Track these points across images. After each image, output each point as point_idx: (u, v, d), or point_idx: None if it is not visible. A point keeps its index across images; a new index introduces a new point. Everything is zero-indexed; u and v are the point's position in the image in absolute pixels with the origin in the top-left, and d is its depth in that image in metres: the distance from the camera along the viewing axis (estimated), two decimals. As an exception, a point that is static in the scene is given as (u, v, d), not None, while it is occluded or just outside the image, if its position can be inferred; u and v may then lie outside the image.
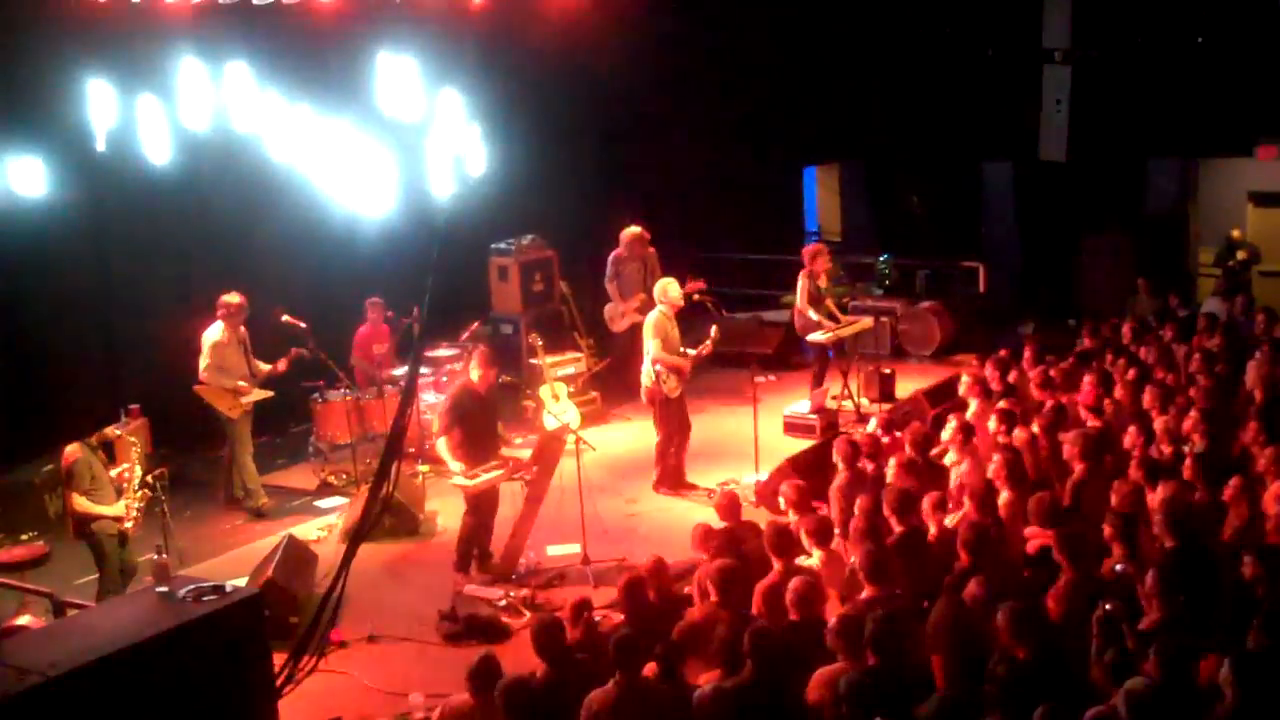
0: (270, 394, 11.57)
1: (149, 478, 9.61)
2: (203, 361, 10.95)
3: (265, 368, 11.35)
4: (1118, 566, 7.02)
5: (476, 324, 13.55)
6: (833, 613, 7.12)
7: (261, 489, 11.30)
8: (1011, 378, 11.33)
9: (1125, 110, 15.88)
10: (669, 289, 11.19)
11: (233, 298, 11.02)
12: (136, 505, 9.06)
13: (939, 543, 7.79)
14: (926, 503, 8.00)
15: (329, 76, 9.95)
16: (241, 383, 11.02)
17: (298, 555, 9.54)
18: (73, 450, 8.88)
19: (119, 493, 9.01)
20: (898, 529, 7.92)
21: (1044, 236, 17.73)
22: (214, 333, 10.99)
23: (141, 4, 10.16)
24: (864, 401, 13.10)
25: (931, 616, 6.64)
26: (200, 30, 10.14)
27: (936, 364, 14.99)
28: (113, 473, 9.09)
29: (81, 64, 9.81)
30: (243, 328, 11.16)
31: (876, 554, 7.10)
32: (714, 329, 11.37)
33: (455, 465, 9.61)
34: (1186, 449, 8.75)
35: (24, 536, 10.09)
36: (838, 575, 7.64)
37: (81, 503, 8.83)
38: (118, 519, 8.93)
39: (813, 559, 7.77)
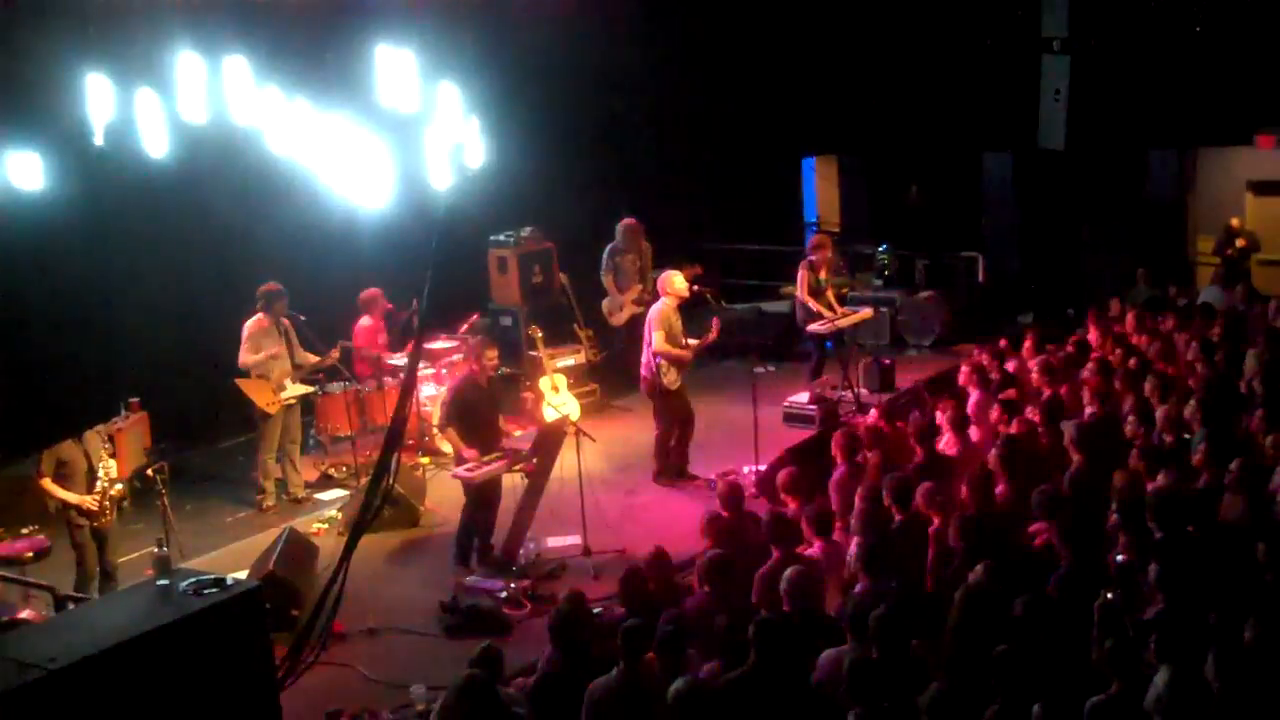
0: (311, 389, 11.60)
1: (149, 471, 9.63)
2: (242, 351, 10.97)
3: (313, 358, 11.35)
4: (1119, 557, 7.02)
5: (476, 316, 13.56)
6: (832, 602, 7.15)
7: (273, 490, 11.30)
8: (1011, 367, 11.35)
9: (1124, 100, 15.86)
10: (674, 280, 11.18)
11: (271, 286, 11.06)
12: (99, 501, 9.00)
13: (939, 533, 7.79)
14: (923, 494, 8.01)
15: (327, 69, 9.93)
16: (279, 379, 11.01)
17: (298, 548, 9.55)
18: None
19: (89, 485, 9.00)
20: (898, 518, 7.93)
21: (1043, 226, 17.73)
22: (253, 322, 11.03)
23: (139, -2, 10.16)
24: (863, 392, 13.11)
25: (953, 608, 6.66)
26: (198, 24, 10.12)
27: (936, 354, 15.01)
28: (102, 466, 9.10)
29: (79, 58, 9.79)
30: (285, 319, 11.16)
31: (871, 546, 7.11)
32: (715, 320, 11.38)
33: (469, 452, 9.61)
34: (1187, 437, 8.76)
35: (25, 530, 10.08)
36: (838, 565, 7.66)
37: (45, 483, 8.91)
38: (83, 510, 8.93)
39: (813, 549, 7.79)
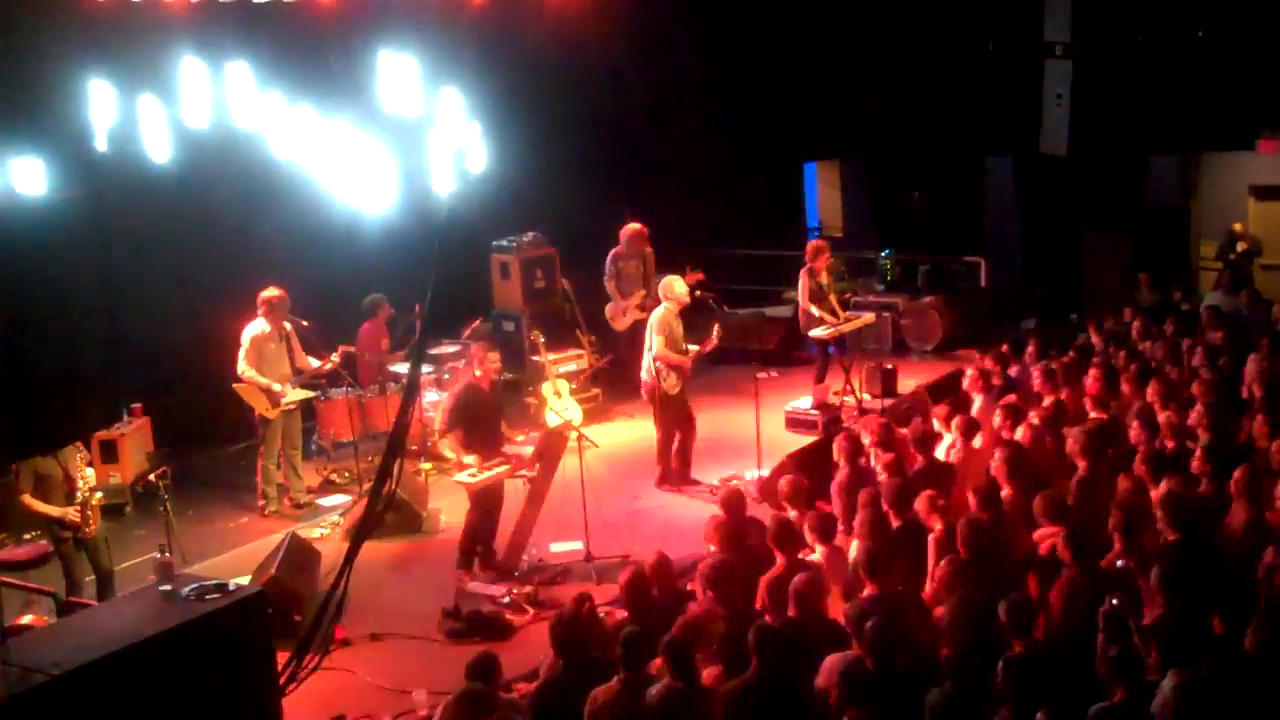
0: (312, 394, 11.59)
1: (152, 476, 9.62)
2: (240, 356, 10.94)
3: (314, 363, 11.34)
4: (1119, 563, 7.02)
5: (478, 321, 13.56)
6: (835, 607, 7.14)
7: (275, 496, 11.29)
8: (1014, 373, 11.34)
9: (1126, 104, 15.86)
10: (674, 285, 11.19)
11: (272, 292, 11.02)
12: (80, 512, 8.95)
13: (941, 538, 7.78)
14: (925, 500, 7.99)
15: (329, 75, 9.94)
16: (277, 385, 10.99)
17: (301, 553, 9.55)
18: None
19: (68, 497, 8.99)
20: (895, 523, 7.92)
21: (1045, 231, 17.72)
22: (254, 327, 10.98)
23: (142, 3, 10.16)
24: (866, 397, 13.10)
25: (946, 612, 6.65)
26: (200, 29, 10.14)
27: (938, 359, 15.00)
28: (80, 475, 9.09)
29: (82, 64, 9.81)
30: (286, 323, 11.16)
31: (877, 550, 7.11)
32: (716, 327, 11.38)
33: (468, 459, 9.62)
34: (1191, 443, 8.75)
35: (27, 536, 10.11)
36: (840, 571, 7.65)
37: (26, 499, 8.88)
38: (64, 522, 8.91)
39: (816, 554, 7.78)
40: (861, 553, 7.20)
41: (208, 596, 6.45)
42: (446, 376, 12.54)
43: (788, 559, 7.45)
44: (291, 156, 9.20)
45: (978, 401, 10.44)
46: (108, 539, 9.32)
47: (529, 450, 10.18)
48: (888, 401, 12.86)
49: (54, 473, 8.92)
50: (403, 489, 9.95)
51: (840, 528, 8.38)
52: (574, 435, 10.10)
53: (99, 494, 9.22)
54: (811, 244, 13.52)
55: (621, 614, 7.72)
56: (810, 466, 10.43)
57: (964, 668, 5.89)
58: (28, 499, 8.86)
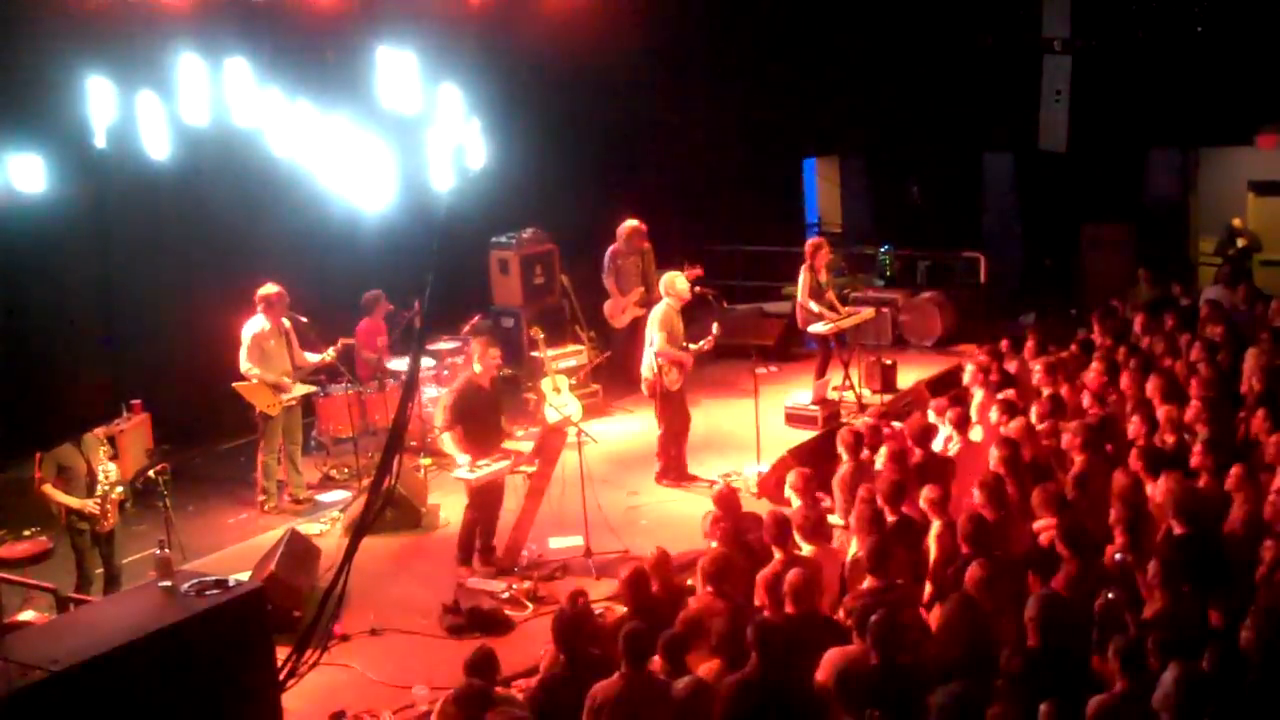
0: (313, 389, 11.59)
1: (151, 472, 9.63)
2: (243, 354, 10.93)
3: (314, 358, 11.35)
4: (1117, 556, 7.02)
5: (477, 317, 13.56)
6: (827, 605, 7.15)
7: (275, 492, 11.29)
8: (1014, 368, 11.34)
9: (1125, 100, 15.86)
10: (676, 282, 11.18)
11: (270, 289, 10.99)
12: (99, 504, 8.97)
13: (941, 534, 7.78)
14: (927, 495, 7.99)
15: (328, 71, 9.95)
16: (284, 379, 11.01)
17: (300, 549, 9.55)
18: None
19: (89, 489, 9.01)
20: (891, 519, 7.93)
21: (1044, 226, 17.72)
22: (254, 325, 10.97)
23: (140, 0, 10.17)
24: (865, 392, 13.11)
25: (943, 609, 6.65)
26: (199, 26, 10.15)
27: (938, 354, 15.00)
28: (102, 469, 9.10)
29: (81, 61, 9.81)
30: (285, 319, 11.15)
31: (879, 545, 7.11)
32: (715, 325, 11.38)
33: (461, 458, 9.62)
34: (1189, 438, 8.75)
35: (27, 532, 10.10)
36: (832, 570, 7.65)
37: (46, 488, 8.92)
38: (82, 513, 8.92)
39: (806, 552, 7.78)
40: (861, 547, 7.20)
41: (207, 592, 6.45)
42: (445, 373, 12.55)
43: (785, 555, 7.45)
44: (290, 153, 9.20)
45: (978, 396, 10.43)
46: (115, 533, 9.34)
47: (528, 446, 10.18)
48: (887, 397, 12.87)
49: (76, 464, 8.96)
50: (402, 485, 9.96)
51: (840, 521, 8.36)
52: (573, 431, 10.10)
53: (119, 488, 9.24)
54: (811, 240, 13.53)
55: (622, 610, 7.73)
56: (809, 462, 10.44)
57: (966, 665, 5.89)
58: (49, 489, 8.90)
